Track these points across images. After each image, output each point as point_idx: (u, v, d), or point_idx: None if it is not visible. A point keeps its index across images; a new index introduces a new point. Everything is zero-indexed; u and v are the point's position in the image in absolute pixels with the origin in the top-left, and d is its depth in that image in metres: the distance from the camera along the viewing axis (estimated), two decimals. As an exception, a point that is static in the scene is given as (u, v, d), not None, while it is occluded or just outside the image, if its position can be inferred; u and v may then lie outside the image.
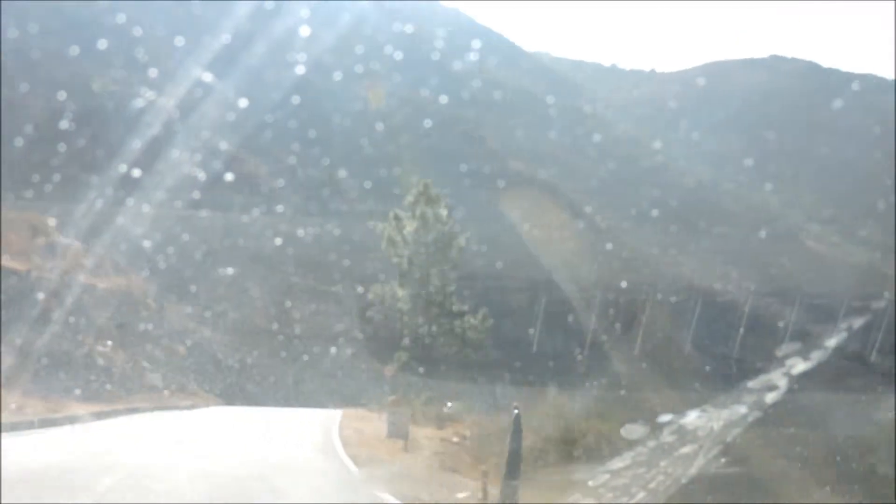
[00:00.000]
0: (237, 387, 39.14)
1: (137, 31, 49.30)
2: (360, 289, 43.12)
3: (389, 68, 71.19)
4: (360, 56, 67.45)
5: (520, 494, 9.94)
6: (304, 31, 58.71)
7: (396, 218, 37.30)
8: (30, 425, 18.04)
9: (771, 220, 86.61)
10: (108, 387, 25.82)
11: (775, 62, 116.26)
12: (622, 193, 79.32)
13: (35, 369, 23.82)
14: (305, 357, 42.38)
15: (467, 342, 36.86)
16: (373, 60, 69.04)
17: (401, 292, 36.98)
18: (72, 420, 20.39)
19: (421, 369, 36.34)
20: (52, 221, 31.00)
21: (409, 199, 37.58)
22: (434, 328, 36.68)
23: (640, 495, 7.27)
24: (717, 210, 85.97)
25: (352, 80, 69.35)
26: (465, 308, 37.60)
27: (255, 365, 41.26)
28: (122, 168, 31.56)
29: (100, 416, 22.34)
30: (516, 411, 10.36)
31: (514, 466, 9.86)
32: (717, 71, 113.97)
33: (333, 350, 44.35)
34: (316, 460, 15.88)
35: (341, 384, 40.36)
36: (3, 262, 26.12)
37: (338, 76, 64.76)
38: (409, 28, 76.20)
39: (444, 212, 37.57)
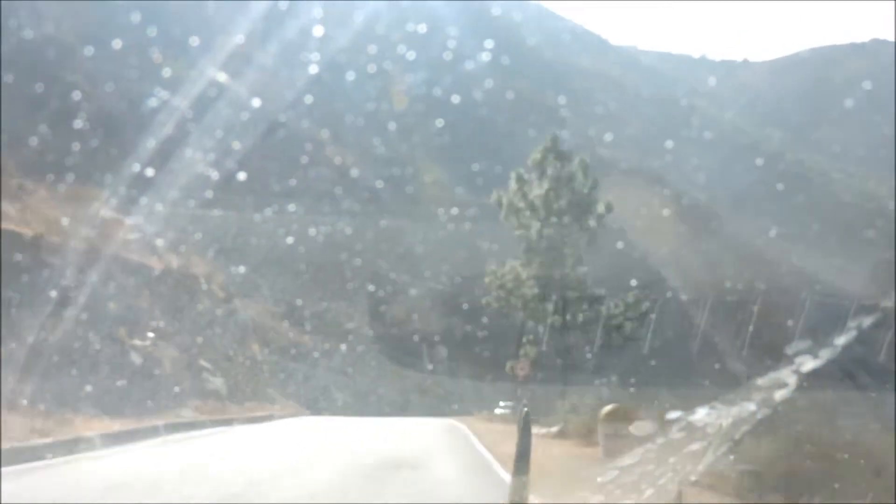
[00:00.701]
0: (324, 393, 30.86)
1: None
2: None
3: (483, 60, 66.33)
4: (461, 49, 64.31)
5: (528, 491, 6.50)
6: (381, 28, 55.85)
7: (520, 179, 27.73)
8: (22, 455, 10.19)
9: (885, 212, 76.33)
10: (147, 395, 17.56)
11: (877, 46, 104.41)
12: (735, 188, 70.72)
13: (45, 371, 15.65)
14: (399, 357, 34.11)
15: (618, 333, 27.12)
16: (476, 53, 65.20)
17: (524, 273, 27.48)
18: (74, 445, 12.19)
19: (556, 368, 27.26)
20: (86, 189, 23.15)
21: (535, 156, 28.13)
22: (569, 316, 27.20)
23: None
24: (831, 201, 76.53)
25: (470, 71, 63.92)
26: (604, 292, 28.03)
27: (342, 367, 33.08)
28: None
29: (122, 438, 14.08)
30: (525, 409, 7.56)
31: (522, 464, 6.73)
32: (814, 58, 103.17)
33: (433, 347, 35.90)
34: None
35: (449, 387, 31.62)
36: (10, 227, 18.16)
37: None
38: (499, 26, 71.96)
39: (579, 171, 28.00)
